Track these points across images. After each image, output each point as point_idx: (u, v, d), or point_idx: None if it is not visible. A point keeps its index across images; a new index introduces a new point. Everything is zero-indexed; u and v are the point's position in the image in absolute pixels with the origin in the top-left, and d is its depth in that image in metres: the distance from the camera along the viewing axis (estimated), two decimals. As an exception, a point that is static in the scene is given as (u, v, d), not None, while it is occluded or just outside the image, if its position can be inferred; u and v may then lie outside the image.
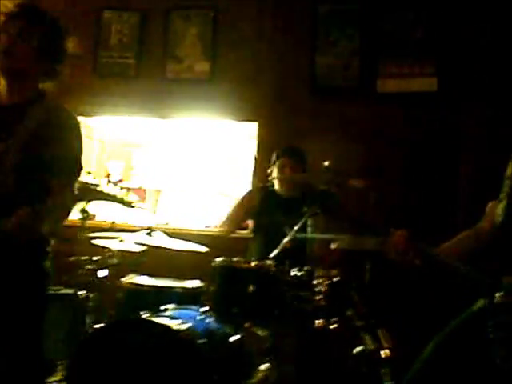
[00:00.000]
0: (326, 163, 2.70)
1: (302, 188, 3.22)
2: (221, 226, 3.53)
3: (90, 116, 4.34)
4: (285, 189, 3.29)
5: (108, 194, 1.93)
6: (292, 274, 2.61)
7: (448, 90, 3.85)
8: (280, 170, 3.29)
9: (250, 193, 3.53)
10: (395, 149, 3.86)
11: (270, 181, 3.37)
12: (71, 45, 2.02)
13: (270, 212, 3.26)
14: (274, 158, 3.34)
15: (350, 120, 3.98)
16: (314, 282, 2.59)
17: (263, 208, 3.32)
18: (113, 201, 1.91)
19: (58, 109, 1.93)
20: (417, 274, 3.34)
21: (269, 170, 3.38)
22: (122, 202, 1.94)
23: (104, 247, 3.16)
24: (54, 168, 1.77)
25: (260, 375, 2.59)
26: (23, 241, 1.70)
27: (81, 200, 1.84)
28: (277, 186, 3.33)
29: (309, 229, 2.81)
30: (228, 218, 3.46)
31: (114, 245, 3.12)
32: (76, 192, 1.89)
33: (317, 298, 2.57)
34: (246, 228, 3.66)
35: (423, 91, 3.89)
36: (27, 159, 1.78)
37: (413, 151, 3.86)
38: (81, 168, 1.92)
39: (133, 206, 1.95)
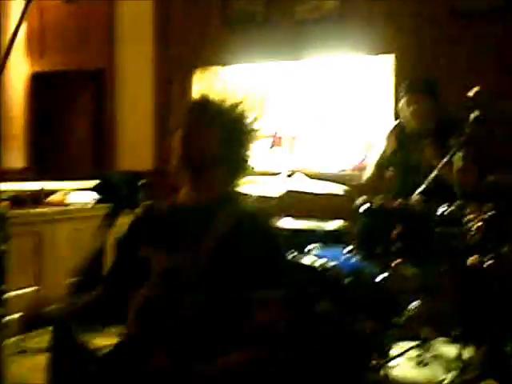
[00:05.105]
0: (475, 89, 2.49)
1: (434, 119, 3.00)
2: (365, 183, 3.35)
3: (224, 65, 4.41)
4: (416, 123, 3.10)
5: None
6: (440, 210, 2.48)
7: None
8: (408, 105, 3.09)
9: (387, 139, 3.35)
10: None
11: (402, 117, 3.19)
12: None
13: (406, 149, 3.11)
14: (401, 92, 3.16)
15: (494, 44, 3.63)
16: (466, 218, 2.44)
17: (399, 146, 3.18)
18: None
19: (250, 213, 1.65)
20: None
21: (398, 106, 3.20)
22: None
23: (245, 194, 3.23)
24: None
25: (409, 313, 2.54)
26: None
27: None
28: (407, 122, 3.15)
29: (455, 162, 2.65)
30: (369, 178, 3.29)
31: (254, 190, 3.18)
32: None
33: (469, 234, 2.42)
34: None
35: None
36: (214, 271, 1.50)
37: None
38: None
39: None
